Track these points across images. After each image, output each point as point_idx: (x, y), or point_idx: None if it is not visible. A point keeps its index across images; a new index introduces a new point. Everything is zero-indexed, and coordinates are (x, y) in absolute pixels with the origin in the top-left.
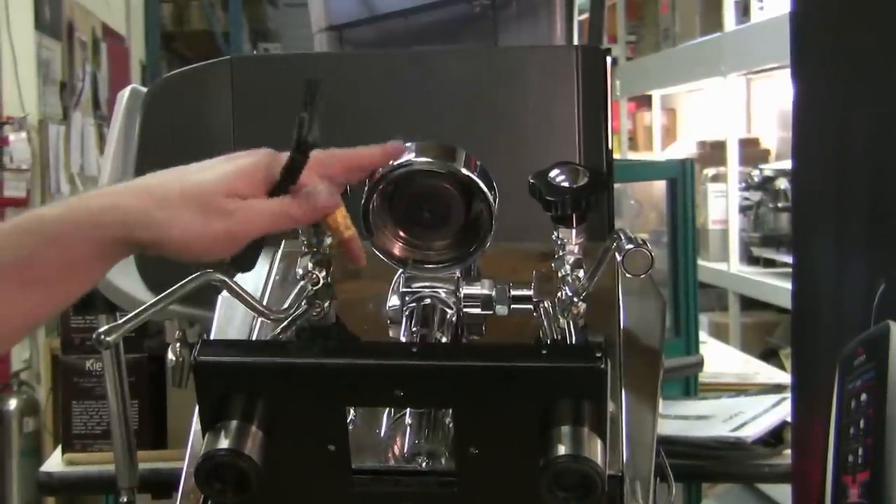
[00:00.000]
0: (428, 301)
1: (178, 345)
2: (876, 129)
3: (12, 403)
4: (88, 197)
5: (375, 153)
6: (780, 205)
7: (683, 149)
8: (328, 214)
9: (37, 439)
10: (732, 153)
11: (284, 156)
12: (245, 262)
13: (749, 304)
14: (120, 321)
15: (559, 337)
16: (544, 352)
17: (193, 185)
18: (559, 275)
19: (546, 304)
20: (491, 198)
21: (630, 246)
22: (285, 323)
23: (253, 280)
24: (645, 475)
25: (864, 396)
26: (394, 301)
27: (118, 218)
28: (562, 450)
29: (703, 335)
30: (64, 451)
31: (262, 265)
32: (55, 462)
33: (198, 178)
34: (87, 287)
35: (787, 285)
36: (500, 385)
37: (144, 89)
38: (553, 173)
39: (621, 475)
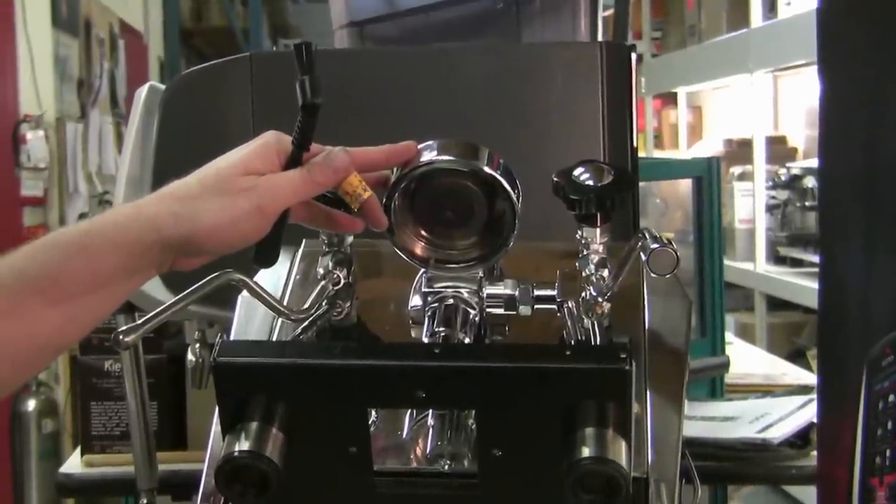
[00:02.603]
0: (450, 301)
1: (197, 345)
2: None
3: (31, 404)
4: (113, 211)
5: (383, 153)
6: (807, 203)
7: (709, 147)
8: (347, 176)
9: (56, 440)
10: (759, 151)
11: (289, 137)
12: (267, 255)
13: (776, 304)
14: (139, 322)
15: (583, 337)
16: (568, 352)
17: (210, 175)
18: (583, 274)
19: (570, 304)
20: (514, 196)
21: (655, 245)
22: (306, 323)
23: (273, 280)
24: (670, 477)
25: (892, 397)
26: (416, 301)
27: (145, 223)
28: (586, 452)
29: (729, 336)
30: (83, 453)
31: (282, 265)
32: (74, 463)
33: (213, 167)
34: (115, 303)
35: (815, 285)
36: (523, 386)
37: (163, 86)
38: (577, 171)
39: (646, 477)
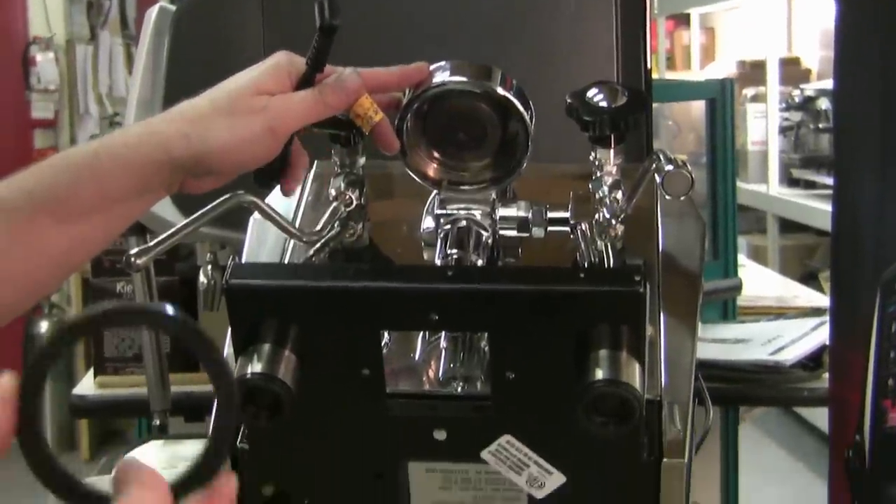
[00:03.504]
0: (463, 223)
1: (209, 267)
2: None
3: (43, 327)
4: (123, 131)
5: (395, 75)
6: (820, 125)
7: (722, 68)
8: (358, 97)
9: (69, 362)
10: (772, 73)
11: (302, 57)
12: (269, 175)
13: (788, 226)
14: (150, 243)
15: (597, 260)
16: (582, 275)
17: (221, 95)
18: (597, 196)
19: (583, 227)
20: (527, 118)
21: (670, 167)
22: (318, 245)
23: (285, 202)
24: (683, 399)
25: None
26: (428, 223)
27: (155, 143)
28: (599, 374)
29: (741, 258)
30: (96, 375)
31: None
32: (87, 385)
33: (224, 87)
34: (125, 223)
35: (828, 207)
36: (537, 309)
37: (173, 7)
38: (591, 93)
39: (659, 399)
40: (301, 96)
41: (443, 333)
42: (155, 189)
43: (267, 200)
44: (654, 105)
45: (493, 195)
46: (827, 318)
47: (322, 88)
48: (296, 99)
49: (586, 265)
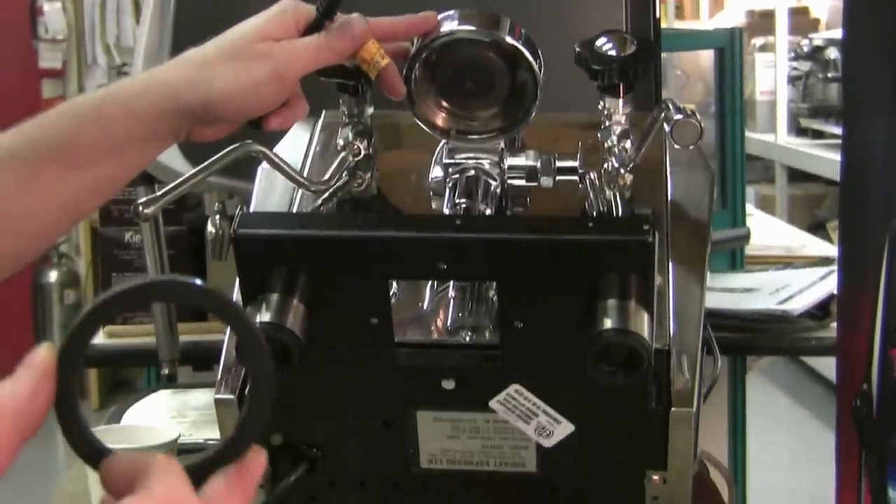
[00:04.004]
0: (472, 172)
1: (217, 217)
2: None
3: (53, 276)
4: (129, 79)
5: (403, 24)
6: (829, 75)
7: (731, 18)
8: (364, 43)
9: (77, 311)
10: (781, 22)
11: (309, 4)
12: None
13: (796, 175)
14: (158, 193)
15: (605, 209)
16: (591, 224)
17: (226, 42)
18: (605, 145)
19: (592, 176)
20: (536, 67)
21: (679, 116)
22: (326, 195)
23: (293, 151)
24: (692, 349)
25: None
26: (437, 172)
27: (161, 90)
28: (608, 323)
29: (749, 207)
30: (105, 324)
31: (302, 136)
32: (97, 335)
33: (229, 34)
34: (132, 171)
35: (836, 157)
36: (545, 258)
37: None
38: (600, 42)
39: (668, 349)
40: (306, 41)
41: (451, 283)
42: (162, 136)
43: (275, 150)
44: (663, 54)
45: (502, 144)
46: (835, 267)
47: (328, 34)
48: (301, 44)
49: (595, 214)
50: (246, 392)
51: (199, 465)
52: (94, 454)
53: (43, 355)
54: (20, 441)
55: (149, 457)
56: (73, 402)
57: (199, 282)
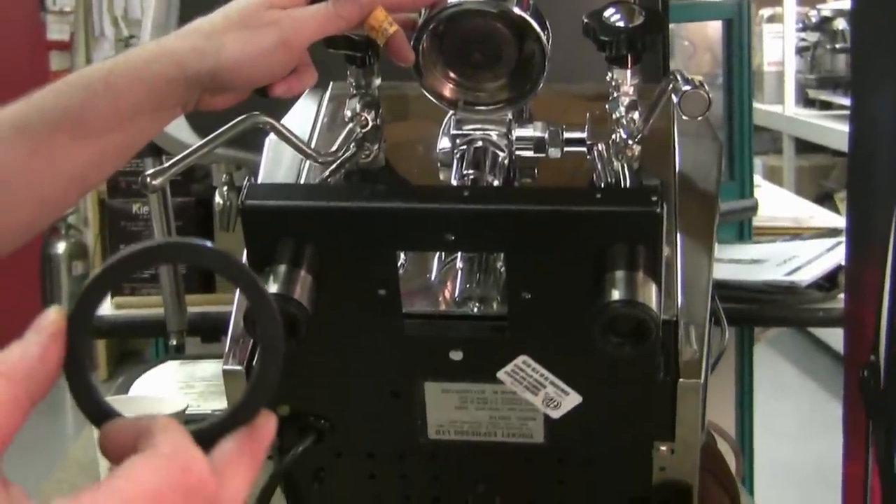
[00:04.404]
0: (479, 143)
1: (225, 188)
2: None
3: (61, 247)
4: (137, 49)
5: None
6: (837, 46)
7: None
8: (372, 10)
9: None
10: None
11: None
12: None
13: (804, 146)
14: (166, 164)
15: (613, 180)
16: (599, 195)
17: (233, 10)
18: (613, 117)
19: (600, 147)
20: (544, 38)
21: (687, 87)
22: (334, 166)
23: (300, 123)
24: (700, 320)
25: None
26: (444, 143)
27: (168, 59)
28: (616, 295)
29: (757, 178)
30: (113, 295)
31: (310, 108)
32: (105, 306)
33: (237, 3)
34: (141, 141)
35: (844, 128)
36: (553, 229)
37: None
38: (608, 12)
39: (676, 320)
40: (314, 9)
41: (459, 254)
42: (170, 106)
43: (283, 121)
44: (671, 25)
45: (510, 116)
46: (842, 238)
47: (335, 1)
48: (309, 12)
49: (603, 186)
50: (255, 360)
51: (207, 430)
52: (102, 417)
53: (52, 318)
54: (29, 404)
55: (149, 419)
56: (82, 365)
57: (209, 244)
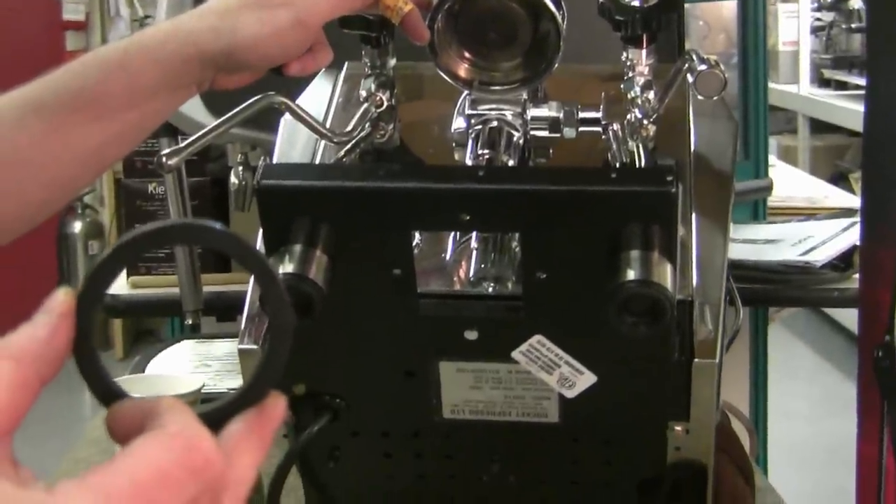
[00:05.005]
0: (494, 123)
1: (240, 168)
2: None
3: (77, 226)
4: (152, 29)
5: None
6: (852, 25)
7: None
8: None
9: None
10: None
11: None
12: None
13: (819, 126)
14: (181, 144)
15: (628, 160)
16: (614, 175)
17: None
18: (629, 96)
19: (615, 127)
20: (559, 17)
21: (703, 67)
22: (349, 146)
23: (315, 103)
24: (714, 300)
25: None
26: (459, 123)
27: (184, 38)
28: (631, 274)
29: (772, 158)
30: (129, 275)
31: (325, 88)
32: (120, 285)
33: None
34: (156, 121)
35: (859, 107)
36: (568, 208)
37: None
38: None
39: (691, 300)
40: None
41: (473, 234)
42: (186, 85)
43: (298, 101)
44: (685, 5)
45: (525, 95)
46: (857, 218)
47: None
48: None
49: (618, 165)
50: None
51: (216, 411)
52: (110, 397)
53: (61, 299)
54: (39, 385)
55: (155, 399)
56: (90, 345)
57: (219, 225)
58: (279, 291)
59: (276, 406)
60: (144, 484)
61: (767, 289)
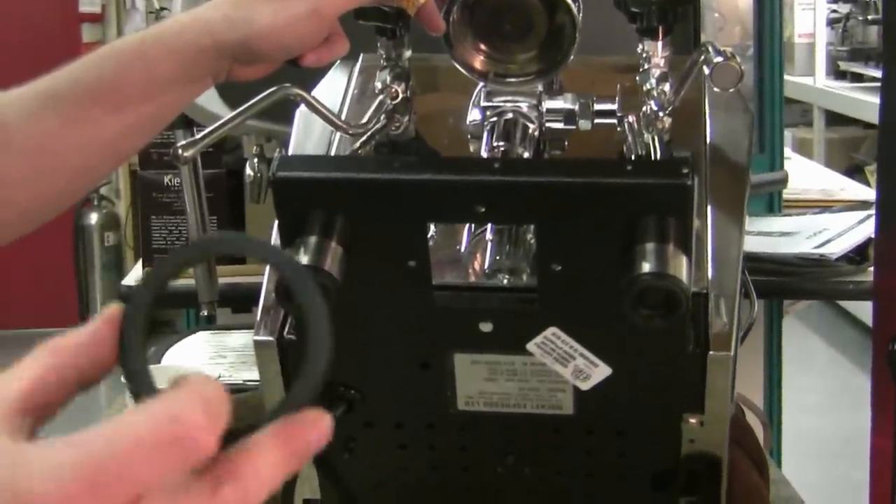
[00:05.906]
0: (510, 115)
1: (255, 160)
2: None
3: (93, 218)
4: (169, 20)
5: None
6: (869, 17)
7: None
8: None
9: (118, 253)
10: None
11: None
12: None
13: (835, 119)
14: (197, 136)
15: (644, 152)
16: (629, 167)
17: None
18: (644, 88)
19: (630, 119)
20: (574, 9)
21: (719, 59)
22: (364, 138)
23: (331, 95)
24: (730, 292)
25: None
26: (474, 115)
27: (200, 29)
28: (646, 267)
29: (787, 151)
30: (144, 265)
31: (340, 80)
32: (136, 275)
33: None
34: (172, 112)
35: (875, 100)
36: (583, 201)
37: None
38: None
39: (706, 292)
40: None
41: (489, 226)
42: (201, 76)
43: (313, 93)
44: None
45: (540, 87)
46: (873, 211)
47: None
48: None
49: (633, 158)
50: (285, 330)
51: (248, 430)
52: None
53: (110, 308)
54: (75, 377)
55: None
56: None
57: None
58: (322, 312)
59: (315, 420)
60: (121, 447)
61: (782, 281)
